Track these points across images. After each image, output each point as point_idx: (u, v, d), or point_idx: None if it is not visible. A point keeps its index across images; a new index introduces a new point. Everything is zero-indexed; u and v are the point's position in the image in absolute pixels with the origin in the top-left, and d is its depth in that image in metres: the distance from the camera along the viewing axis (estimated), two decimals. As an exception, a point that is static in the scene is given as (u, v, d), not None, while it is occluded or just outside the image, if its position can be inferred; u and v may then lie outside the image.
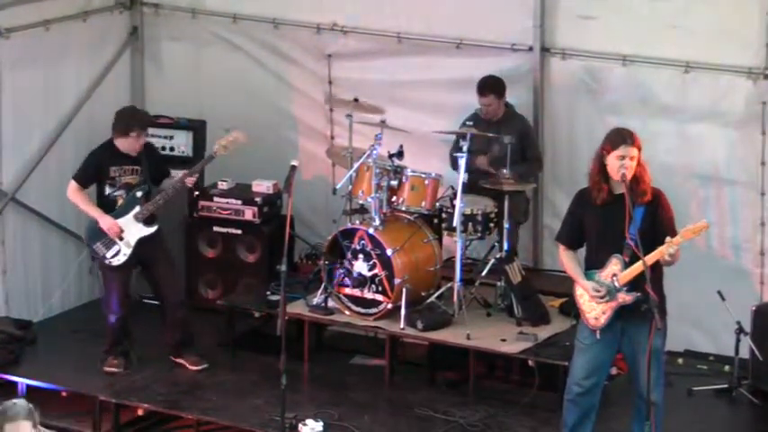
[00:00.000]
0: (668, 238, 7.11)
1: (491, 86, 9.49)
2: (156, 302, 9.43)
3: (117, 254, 9.02)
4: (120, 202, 9.05)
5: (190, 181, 9.05)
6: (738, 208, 9.20)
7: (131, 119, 9.05)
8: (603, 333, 7.38)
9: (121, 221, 9.00)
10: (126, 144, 9.01)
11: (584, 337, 7.48)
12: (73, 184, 9.12)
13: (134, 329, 9.38)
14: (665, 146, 9.23)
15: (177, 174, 9.28)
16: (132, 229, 9.00)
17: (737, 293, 8.94)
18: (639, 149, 7.26)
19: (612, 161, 7.24)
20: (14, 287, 10.01)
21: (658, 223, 7.26)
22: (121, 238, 8.99)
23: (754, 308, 8.81)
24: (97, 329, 9.77)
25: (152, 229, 9.04)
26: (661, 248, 7.11)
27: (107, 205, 9.08)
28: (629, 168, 7.20)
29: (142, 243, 9.03)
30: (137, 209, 9.01)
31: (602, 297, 7.29)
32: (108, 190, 9.08)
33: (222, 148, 9.05)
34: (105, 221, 8.97)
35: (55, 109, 10.25)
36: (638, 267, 7.13)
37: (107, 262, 9.05)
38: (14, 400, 6.04)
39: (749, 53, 8.96)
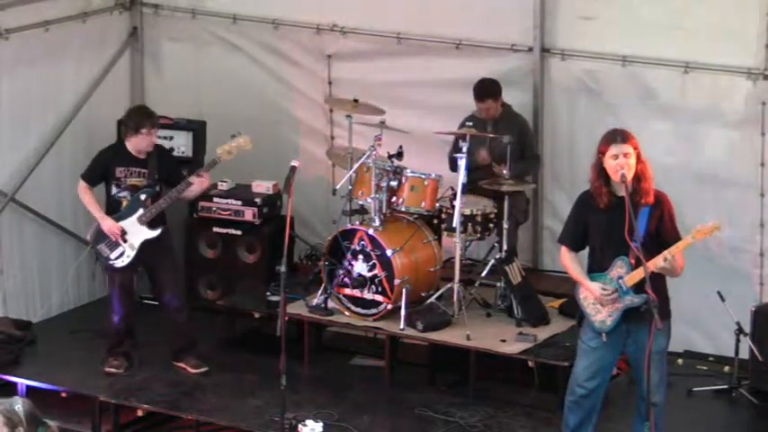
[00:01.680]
0: (667, 251, 7.08)
1: (488, 92, 9.49)
2: (156, 303, 9.44)
3: (121, 255, 9.02)
4: (125, 203, 9.05)
5: (195, 181, 8.99)
6: (738, 209, 9.20)
7: (142, 116, 9.03)
8: (609, 335, 7.36)
9: (125, 223, 9.00)
10: (136, 142, 8.99)
11: (589, 338, 7.45)
12: (82, 183, 9.13)
13: (135, 331, 9.37)
14: (664, 146, 9.23)
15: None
16: (136, 232, 9.00)
17: (736, 294, 8.94)
18: (635, 147, 7.22)
19: (609, 162, 7.22)
20: (13, 288, 10.02)
21: (661, 227, 7.25)
22: (125, 240, 8.99)
23: (753, 308, 8.81)
24: (97, 330, 9.78)
25: (156, 232, 9.03)
26: (662, 254, 7.10)
27: (113, 206, 9.07)
28: (627, 167, 7.17)
29: (146, 245, 9.01)
30: (140, 211, 9.00)
31: (609, 296, 7.27)
32: (114, 190, 9.08)
33: (226, 153, 9.03)
34: (106, 223, 8.97)
35: (54, 110, 10.25)
36: (643, 270, 7.11)
37: (111, 263, 9.04)
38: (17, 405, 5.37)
39: (749, 53, 8.96)
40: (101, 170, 9.12)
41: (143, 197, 9.01)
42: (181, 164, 10.01)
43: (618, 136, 7.24)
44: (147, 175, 9.05)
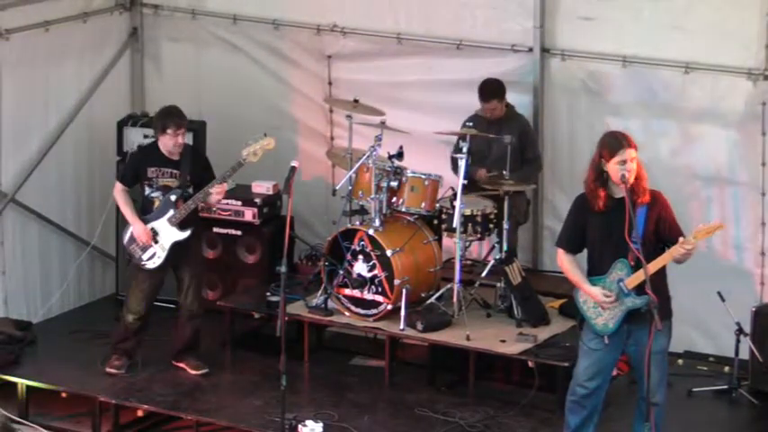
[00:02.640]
0: (681, 239, 7.08)
1: (494, 92, 9.48)
2: (160, 305, 9.44)
3: (152, 257, 9.00)
4: (157, 203, 9.04)
5: (220, 188, 8.96)
6: (739, 208, 9.20)
7: (166, 116, 8.99)
8: (611, 337, 7.36)
9: (156, 224, 8.98)
10: (165, 142, 8.97)
11: (590, 340, 7.44)
12: (117, 185, 9.13)
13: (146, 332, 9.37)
14: (665, 147, 9.24)
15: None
16: (167, 233, 8.98)
17: (738, 294, 8.94)
18: (636, 149, 7.24)
19: (614, 168, 7.19)
20: (14, 288, 10.02)
21: (662, 225, 7.24)
22: (156, 242, 8.98)
23: (754, 309, 8.81)
24: (97, 330, 9.78)
25: (185, 234, 9.00)
26: (671, 250, 7.10)
27: (146, 206, 9.07)
28: (631, 170, 7.18)
29: (175, 247, 9.01)
30: (170, 212, 8.98)
31: (612, 302, 7.27)
32: (147, 190, 9.07)
33: (252, 155, 8.97)
34: (137, 228, 8.97)
35: (55, 110, 10.26)
36: (644, 272, 7.11)
37: (143, 264, 9.03)
38: None
39: (749, 54, 8.96)
40: (134, 171, 9.11)
41: (173, 198, 8.99)
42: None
43: (623, 142, 7.21)
44: (179, 176, 9.03)
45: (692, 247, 7.07)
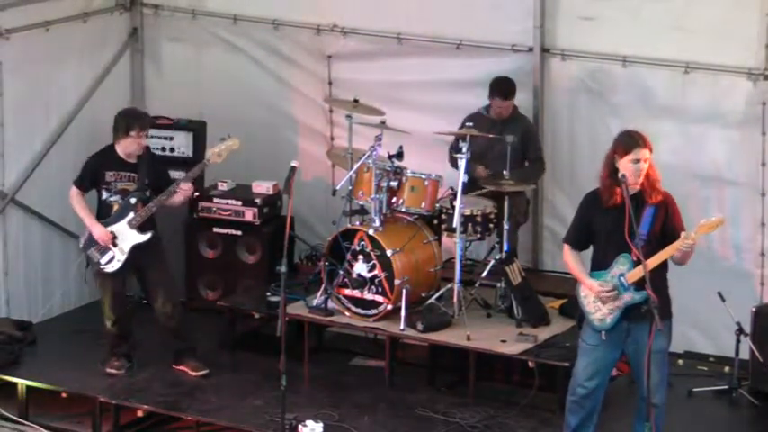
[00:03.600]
0: (683, 234, 7.10)
1: (513, 91, 9.47)
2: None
3: (111, 260, 9.01)
4: (115, 207, 9.03)
5: (184, 187, 8.98)
6: (739, 208, 9.20)
7: (131, 118, 9.03)
8: (609, 334, 7.38)
9: (115, 228, 8.99)
10: (127, 145, 8.98)
11: (589, 337, 7.47)
12: (73, 189, 9.13)
13: (135, 331, 9.36)
14: (665, 147, 9.20)
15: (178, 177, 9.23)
16: (126, 236, 8.99)
17: (737, 294, 8.94)
18: (651, 150, 7.28)
19: (626, 165, 7.23)
20: (16, 288, 10.02)
21: (669, 225, 7.26)
22: (115, 245, 8.98)
23: (754, 309, 8.81)
24: (97, 330, 9.78)
25: (146, 237, 9.01)
26: (673, 244, 7.11)
27: (104, 210, 9.06)
28: (642, 171, 7.22)
29: (136, 250, 9.00)
30: (130, 215, 8.98)
31: (608, 292, 7.28)
32: (105, 195, 9.07)
33: (216, 155, 9.02)
34: (96, 230, 8.97)
35: (56, 110, 10.26)
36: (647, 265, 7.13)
37: (101, 268, 9.04)
38: None
39: (749, 54, 8.96)
40: (91, 175, 9.10)
41: (133, 201, 8.99)
42: (181, 164, 10.03)
43: (639, 141, 7.28)
44: (137, 180, 9.03)
45: (693, 243, 7.09)
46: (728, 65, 9.03)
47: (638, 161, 7.23)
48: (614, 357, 7.54)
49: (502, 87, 9.49)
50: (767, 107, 9.00)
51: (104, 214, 9.05)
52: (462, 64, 9.89)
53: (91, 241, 9.03)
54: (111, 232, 8.98)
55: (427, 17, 9.97)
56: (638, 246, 7.13)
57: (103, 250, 8.99)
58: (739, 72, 9.00)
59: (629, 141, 7.29)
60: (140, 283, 9.28)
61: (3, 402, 9.06)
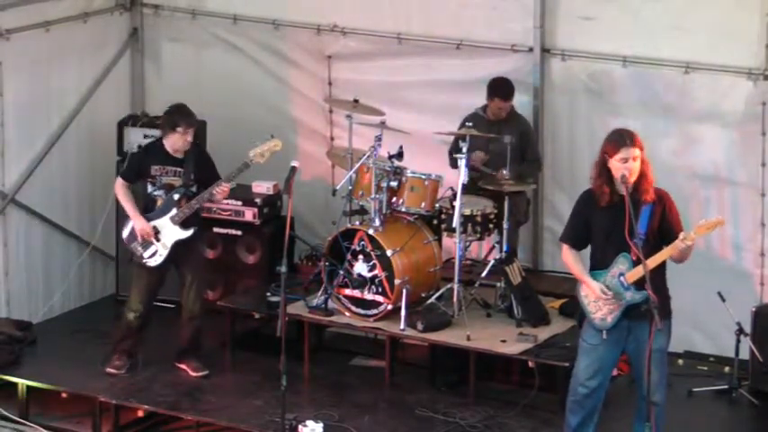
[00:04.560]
0: (682, 234, 7.09)
1: (513, 92, 9.47)
2: (160, 305, 9.45)
3: (154, 254, 9.00)
4: (159, 202, 9.03)
5: (224, 188, 8.97)
6: (738, 209, 9.20)
7: (178, 114, 8.98)
8: (610, 333, 7.38)
9: (158, 222, 8.98)
10: (173, 141, 8.95)
11: (590, 336, 7.46)
12: (119, 181, 9.13)
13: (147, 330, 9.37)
14: (665, 147, 9.23)
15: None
16: (169, 231, 8.97)
17: (737, 294, 8.94)
18: (642, 149, 7.25)
19: (615, 164, 7.22)
20: (17, 288, 10.03)
21: (666, 223, 7.25)
22: (158, 239, 8.97)
23: (754, 309, 8.81)
24: (97, 330, 9.78)
25: (189, 233, 8.99)
26: (672, 245, 7.11)
27: (149, 204, 9.06)
28: (632, 170, 7.19)
29: (177, 246, 9.00)
30: (173, 211, 8.97)
31: (609, 299, 7.28)
32: (150, 188, 9.06)
33: (259, 156, 8.94)
34: (138, 223, 8.96)
35: (56, 110, 10.27)
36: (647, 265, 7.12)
37: (144, 262, 9.02)
38: None
39: (749, 54, 8.96)
40: (137, 167, 9.10)
41: (176, 197, 8.98)
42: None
43: (627, 139, 7.24)
44: (182, 175, 9.02)
45: (692, 243, 7.08)
46: (728, 65, 9.03)
47: (626, 160, 7.20)
48: (615, 356, 7.53)
49: (503, 89, 9.49)
50: (767, 107, 9.00)
51: (149, 208, 9.04)
52: (462, 64, 9.89)
53: (133, 235, 9.02)
54: (154, 227, 8.97)
55: (427, 17, 9.98)
56: (638, 245, 7.13)
57: (147, 244, 8.98)
58: (739, 72, 9.00)
59: (618, 140, 7.26)
60: (179, 278, 9.16)
61: (3, 402, 9.06)
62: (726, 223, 9.02)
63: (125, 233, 9.10)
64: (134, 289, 9.14)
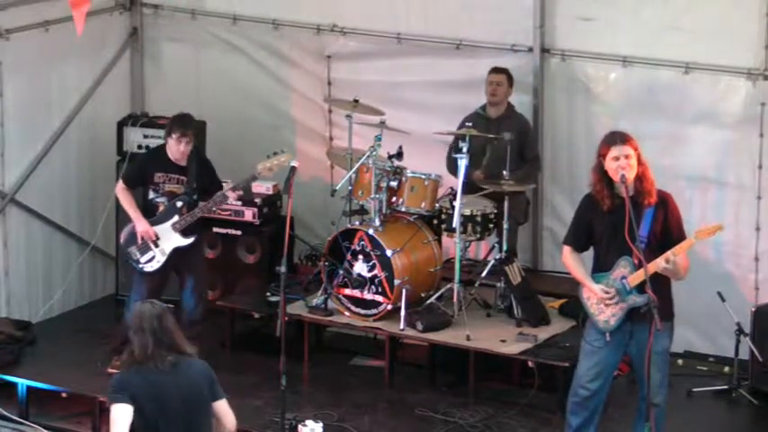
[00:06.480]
0: (670, 252, 7.09)
1: (504, 68, 9.52)
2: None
3: (151, 260, 8.99)
4: (161, 208, 9.02)
5: (232, 196, 8.98)
6: (734, 211, 9.18)
7: (173, 121, 8.97)
8: (613, 335, 7.37)
9: (158, 228, 8.96)
10: (169, 146, 8.95)
11: (593, 339, 7.44)
12: (120, 184, 9.12)
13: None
14: (664, 147, 9.23)
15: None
16: (169, 238, 8.96)
17: (732, 298, 8.93)
18: (635, 148, 7.23)
19: (610, 164, 7.22)
20: (17, 288, 10.03)
21: (667, 227, 7.25)
22: (157, 245, 8.97)
23: (753, 309, 8.82)
24: (98, 330, 9.78)
25: (188, 241, 8.98)
26: (655, 262, 7.10)
27: (149, 209, 9.04)
28: (628, 168, 7.18)
29: (177, 252, 8.98)
30: (175, 218, 8.96)
31: (611, 299, 7.28)
32: (151, 194, 9.04)
33: (267, 169, 8.86)
34: (141, 225, 8.94)
35: (56, 110, 10.27)
36: (648, 269, 7.12)
37: (140, 267, 9.02)
38: None
39: (749, 54, 8.96)
40: (140, 172, 9.09)
41: (179, 204, 8.97)
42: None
43: (617, 138, 7.25)
44: (185, 183, 9.02)
45: (678, 263, 7.08)
46: (728, 65, 9.03)
47: (617, 158, 7.18)
48: (617, 359, 7.53)
49: (493, 67, 9.56)
50: (766, 108, 9.00)
51: (149, 214, 9.02)
52: (462, 64, 9.89)
53: (132, 238, 9.00)
54: (155, 232, 8.97)
55: (427, 17, 9.98)
56: (640, 248, 7.12)
57: (144, 249, 8.97)
58: (739, 72, 9.00)
59: (610, 139, 7.27)
60: (179, 283, 9.17)
61: (3, 402, 9.05)
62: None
63: (123, 236, 9.09)
64: (133, 292, 9.13)
